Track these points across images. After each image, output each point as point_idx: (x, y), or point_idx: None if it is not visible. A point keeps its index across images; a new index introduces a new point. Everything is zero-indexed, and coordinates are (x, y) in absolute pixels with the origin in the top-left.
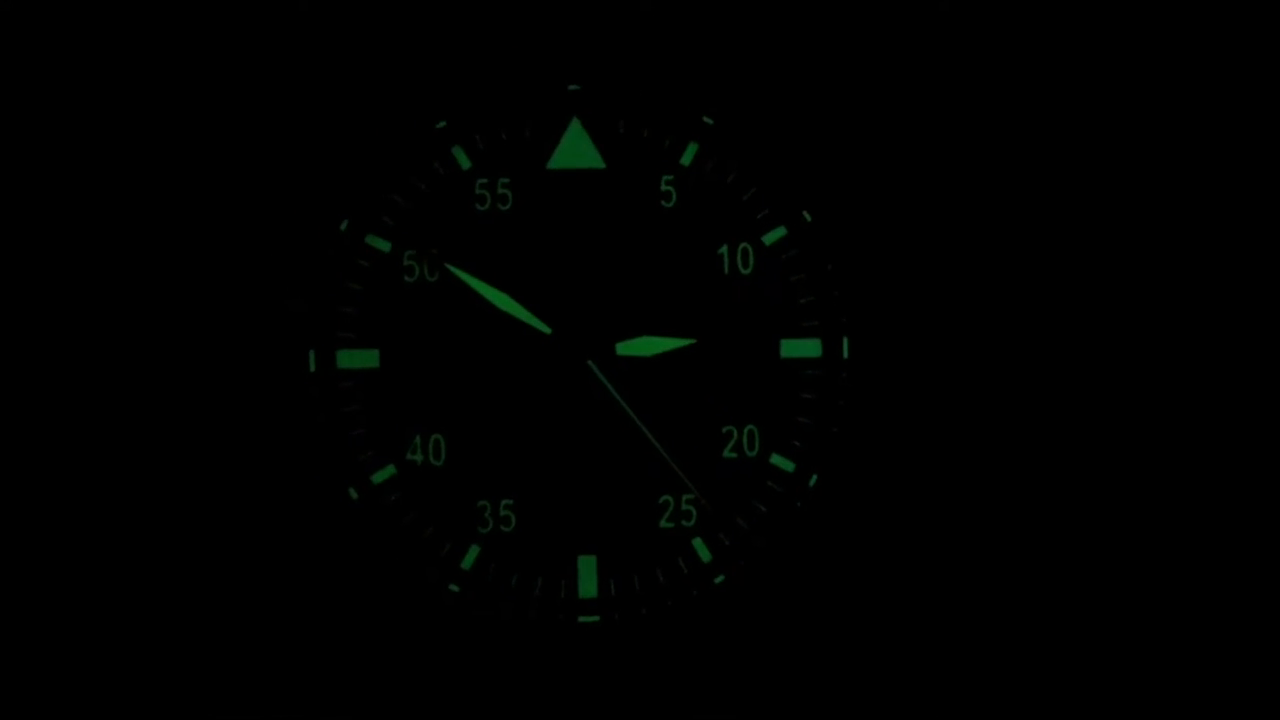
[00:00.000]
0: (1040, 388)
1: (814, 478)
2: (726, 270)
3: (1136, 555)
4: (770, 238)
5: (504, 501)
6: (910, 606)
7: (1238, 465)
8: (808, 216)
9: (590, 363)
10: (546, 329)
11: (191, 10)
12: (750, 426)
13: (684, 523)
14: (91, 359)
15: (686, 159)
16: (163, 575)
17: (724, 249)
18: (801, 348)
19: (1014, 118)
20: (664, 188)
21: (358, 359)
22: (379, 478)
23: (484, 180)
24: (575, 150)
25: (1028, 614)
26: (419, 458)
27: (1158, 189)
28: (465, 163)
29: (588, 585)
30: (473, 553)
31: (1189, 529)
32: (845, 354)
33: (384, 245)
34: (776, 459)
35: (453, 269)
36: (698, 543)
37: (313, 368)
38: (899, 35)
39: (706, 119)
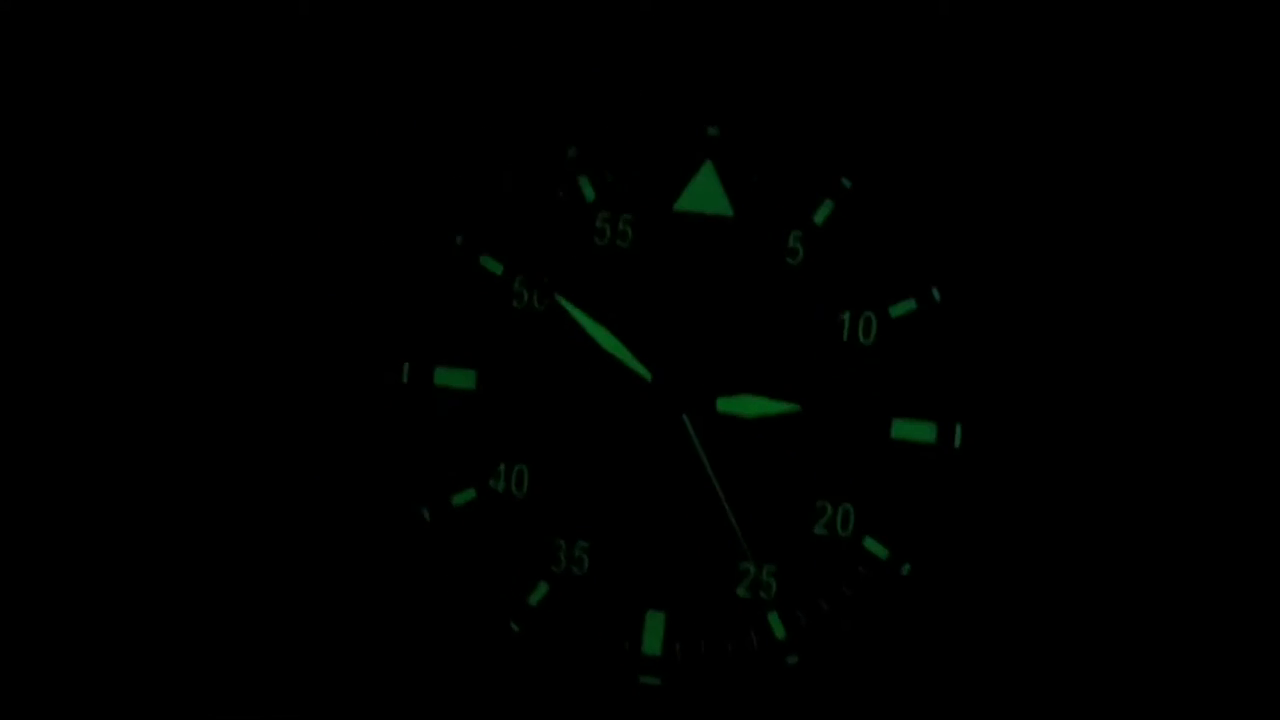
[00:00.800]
0: (1159, 496)
1: (906, 566)
2: (845, 338)
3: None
4: (897, 310)
5: (580, 543)
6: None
7: None
8: (936, 295)
9: (685, 417)
10: (648, 375)
11: (330, 20)
12: (846, 505)
13: (762, 594)
14: (181, 350)
15: (820, 217)
16: (221, 578)
17: (846, 315)
18: (914, 430)
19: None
20: (792, 244)
21: (455, 378)
22: (459, 500)
23: (606, 214)
24: (704, 194)
25: None
26: (501, 485)
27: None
28: (590, 194)
29: (653, 642)
30: (541, 589)
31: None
32: (957, 442)
33: (497, 267)
34: (870, 542)
35: (561, 300)
36: (773, 617)
37: (405, 379)
38: (1045, 113)
39: (845, 181)
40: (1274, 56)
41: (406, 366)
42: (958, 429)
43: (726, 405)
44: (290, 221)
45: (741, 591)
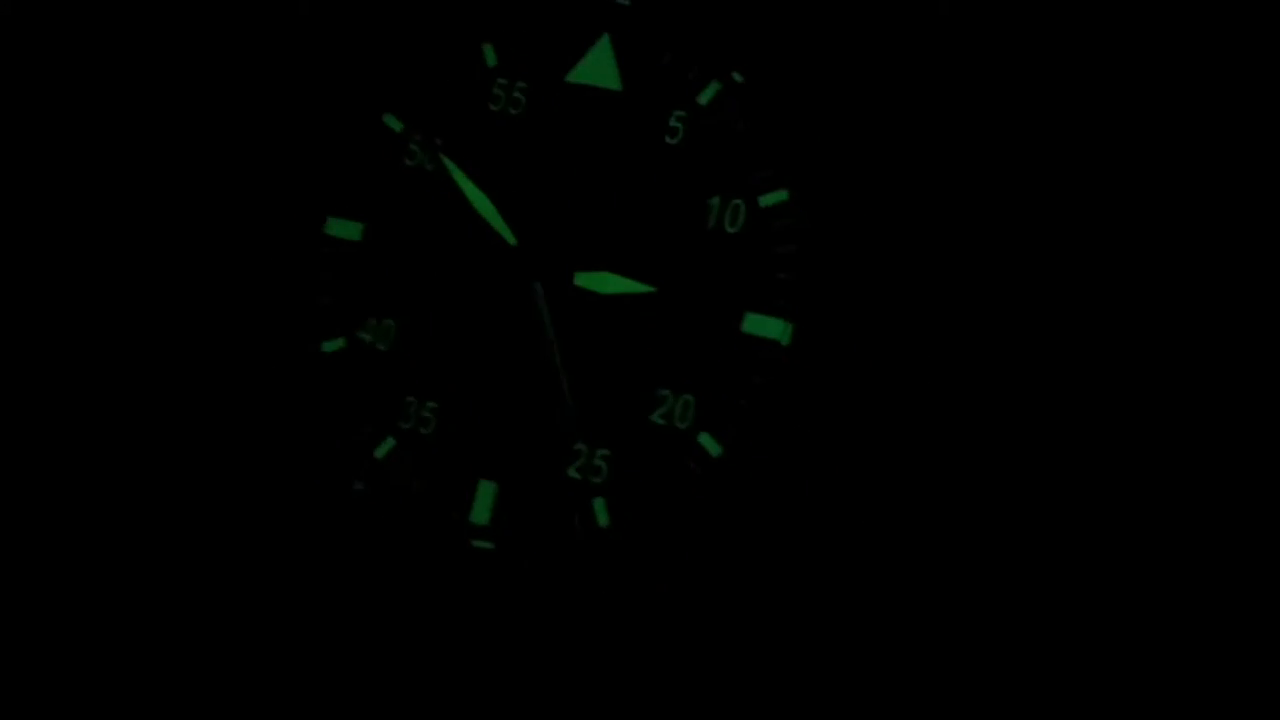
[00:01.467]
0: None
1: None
2: (712, 224)
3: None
4: (767, 200)
5: (429, 403)
6: (796, 600)
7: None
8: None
9: (537, 284)
10: (513, 240)
11: None
12: (687, 396)
13: (592, 478)
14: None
15: (704, 98)
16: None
17: (715, 200)
18: (766, 326)
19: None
20: (673, 123)
21: (344, 229)
22: (330, 347)
23: (503, 81)
24: (597, 68)
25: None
26: (368, 338)
27: (1159, 191)
28: (492, 60)
29: (482, 511)
30: (387, 444)
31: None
32: (785, 340)
33: (397, 125)
34: (705, 438)
35: (445, 160)
36: (599, 503)
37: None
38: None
39: (736, 75)
40: (1229, 56)
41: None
42: (790, 327)
43: (584, 280)
44: (214, 75)
45: (572, 472)
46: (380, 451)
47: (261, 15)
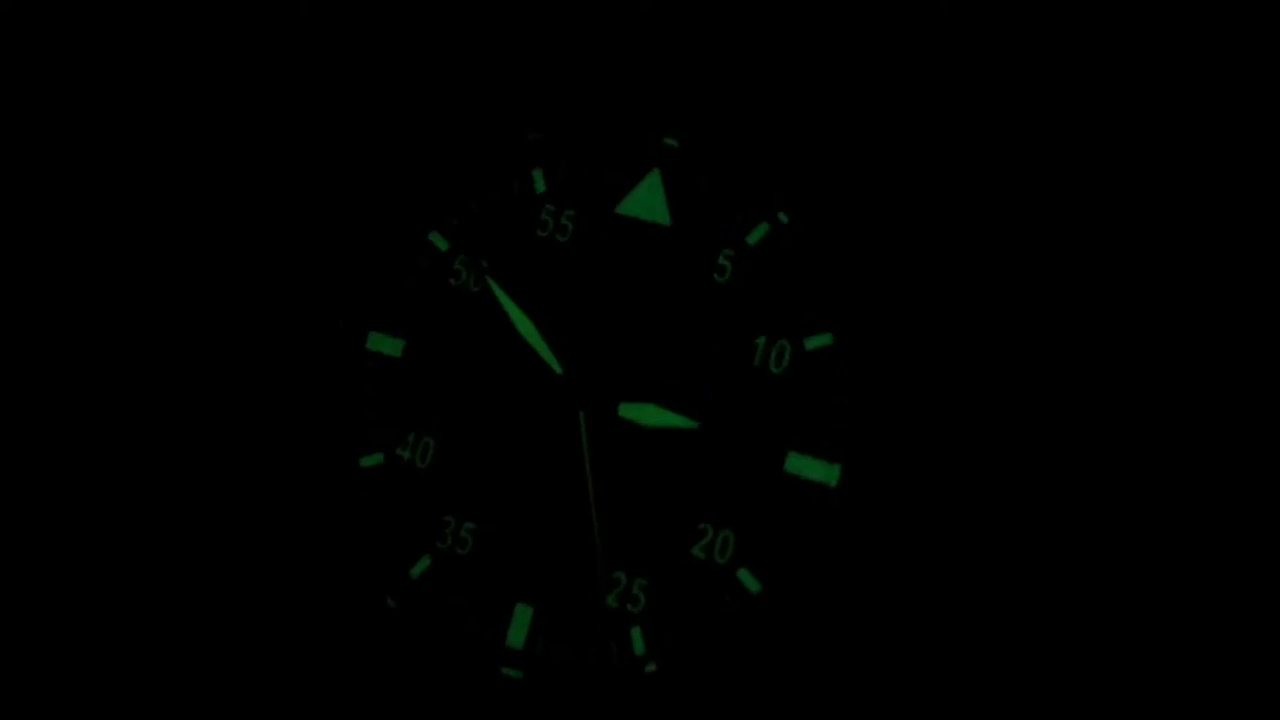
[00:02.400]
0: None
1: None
2: (757, 363)
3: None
4: (812, 343)
5: (466, 524)
6: None
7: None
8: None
9: (581, 415)
10: (559, 368)
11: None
12: (727, 532)
13: (629, 607)
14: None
15: (753, 239)
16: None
17: (761, 340)
18: (807, 466)
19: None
20: (721, 261)
21: (385, 344)
22: (367, 462)
23: (551, 207)
24: (647, 201)
25: None
26: (407, 454)
27: (1162, 195)
28: (541, 186)
29: (518, 635)
30: (424, 563)
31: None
32: (833, 483)
33: (442, 244)
34: (744, 575)
35: (491, 283)
36: (636, 632)
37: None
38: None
39: (782, 216)
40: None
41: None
42: (836, 469)
43: (627, 411)
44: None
45: (611, 600)
46: (416, 571)
47: (317, 123)
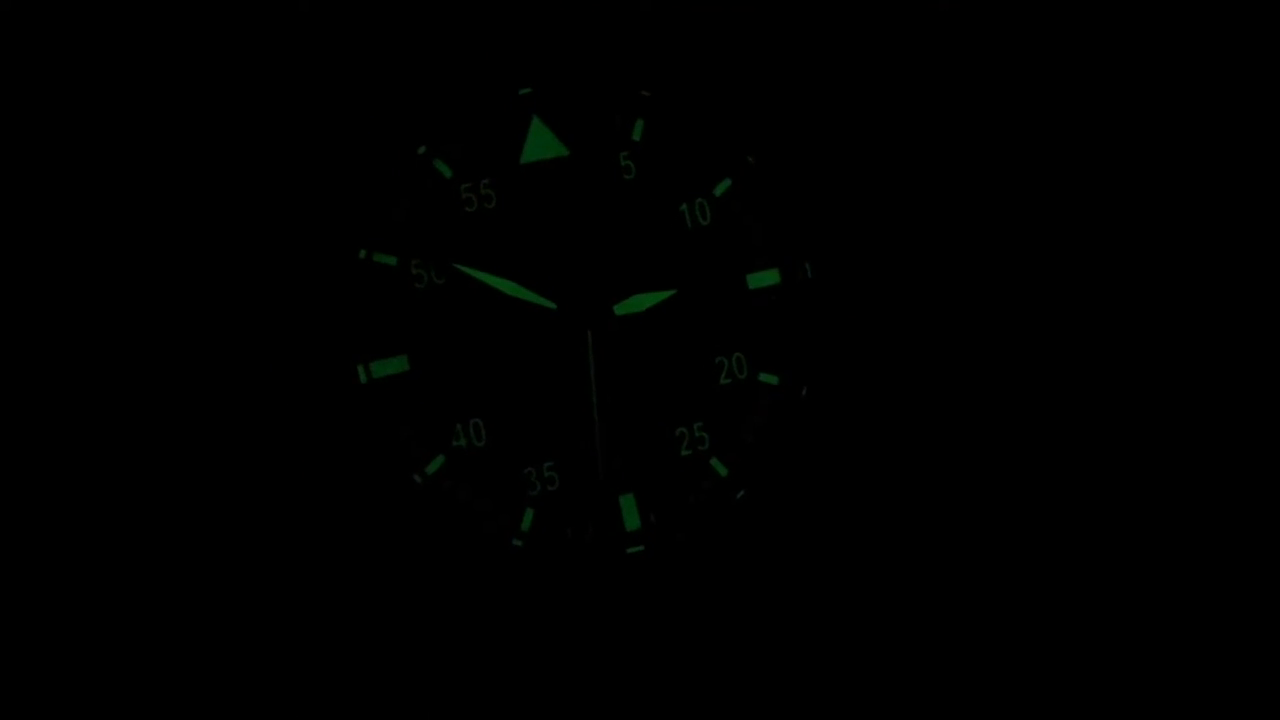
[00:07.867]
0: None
1: (804, 389)
2: (689, 225)
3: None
4: (719, 189)
5: (545, 464)
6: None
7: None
8: (750, 160)
9: (589, 332)
10: (552, 305)
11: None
12: (737, 354)
13: (700, 447)
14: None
15: (636, 134)
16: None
17: (684, 207)
18: (763, 278)
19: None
20: (623, 163)
21: (390, 366)
22: (432, 468)
23: (467, 185)
24: (541, 144)
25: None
26: (463, 443)
27: (1147, 187)
28: (447, 172)
29: (631, 519)
30: (529, 516)
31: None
32: (809, 274)
33: (390, 259)
34: (764, 376)
35: (459, 266)
36: (714, 461)
37: (364, 379)
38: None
39: (644, 92)
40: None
41: (361, 369)
42: (806, 266)
43: (623, 308)
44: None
45: (684, 451)
46: (525, 524)
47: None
